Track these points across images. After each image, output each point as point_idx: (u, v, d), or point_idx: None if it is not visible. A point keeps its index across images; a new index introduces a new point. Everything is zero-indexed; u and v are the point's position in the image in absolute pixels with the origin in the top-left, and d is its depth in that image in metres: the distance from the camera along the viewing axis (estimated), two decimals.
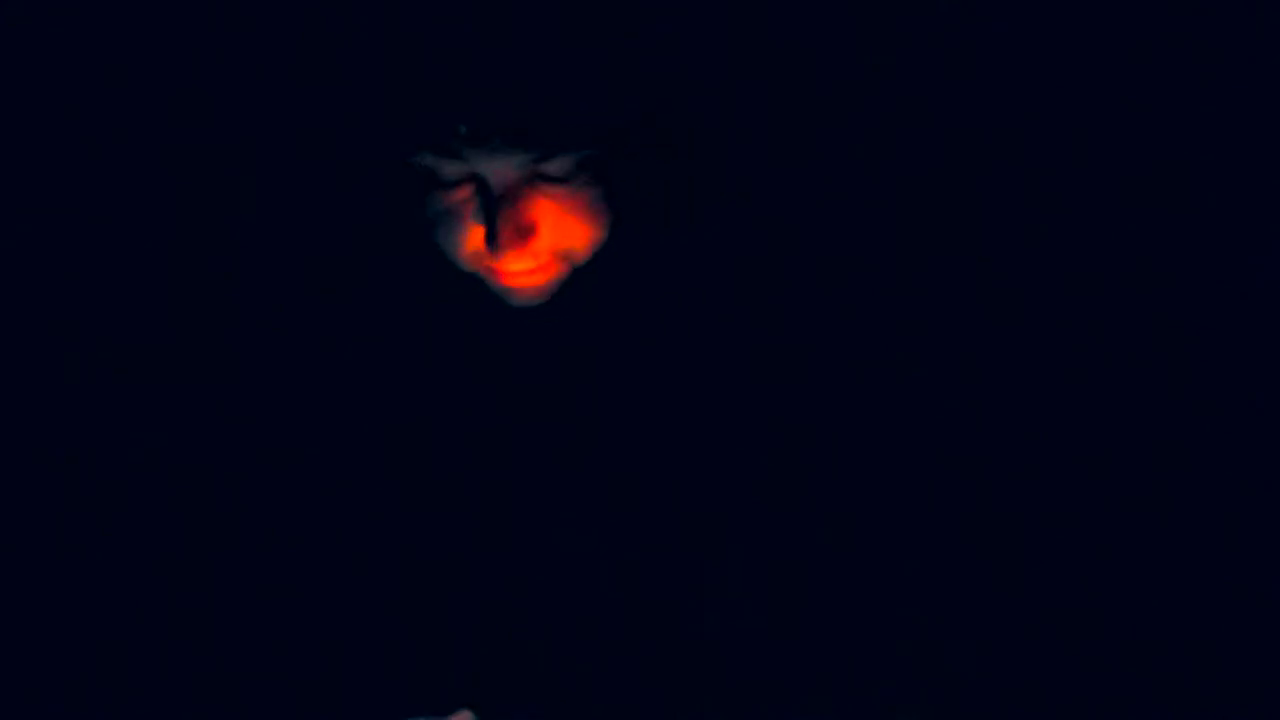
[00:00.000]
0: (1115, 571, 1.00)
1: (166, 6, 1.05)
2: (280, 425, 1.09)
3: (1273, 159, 1.03)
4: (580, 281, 0.99)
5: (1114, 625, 1.00)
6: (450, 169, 0.92)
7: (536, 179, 0.92)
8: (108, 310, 1.07)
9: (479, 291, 0.99)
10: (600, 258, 0.98)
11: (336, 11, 0.95)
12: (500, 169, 0.91)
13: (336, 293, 1.09)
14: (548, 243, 0.94)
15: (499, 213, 0.92)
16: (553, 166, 0.92)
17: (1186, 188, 1.03)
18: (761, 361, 1.05)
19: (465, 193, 0.94)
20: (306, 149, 1.04)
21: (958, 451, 1.02)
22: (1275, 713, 0.98)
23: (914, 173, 1.04)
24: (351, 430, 1.08)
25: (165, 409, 1.06)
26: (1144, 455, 1.01)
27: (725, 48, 1.01)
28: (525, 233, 0.93)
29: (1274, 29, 1.02)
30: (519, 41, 0.88)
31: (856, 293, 1.05)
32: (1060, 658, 1.00)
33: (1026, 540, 1.01)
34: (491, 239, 0.92)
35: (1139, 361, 1.02)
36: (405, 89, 0.91)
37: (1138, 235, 1.03)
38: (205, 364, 1.06)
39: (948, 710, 1.00)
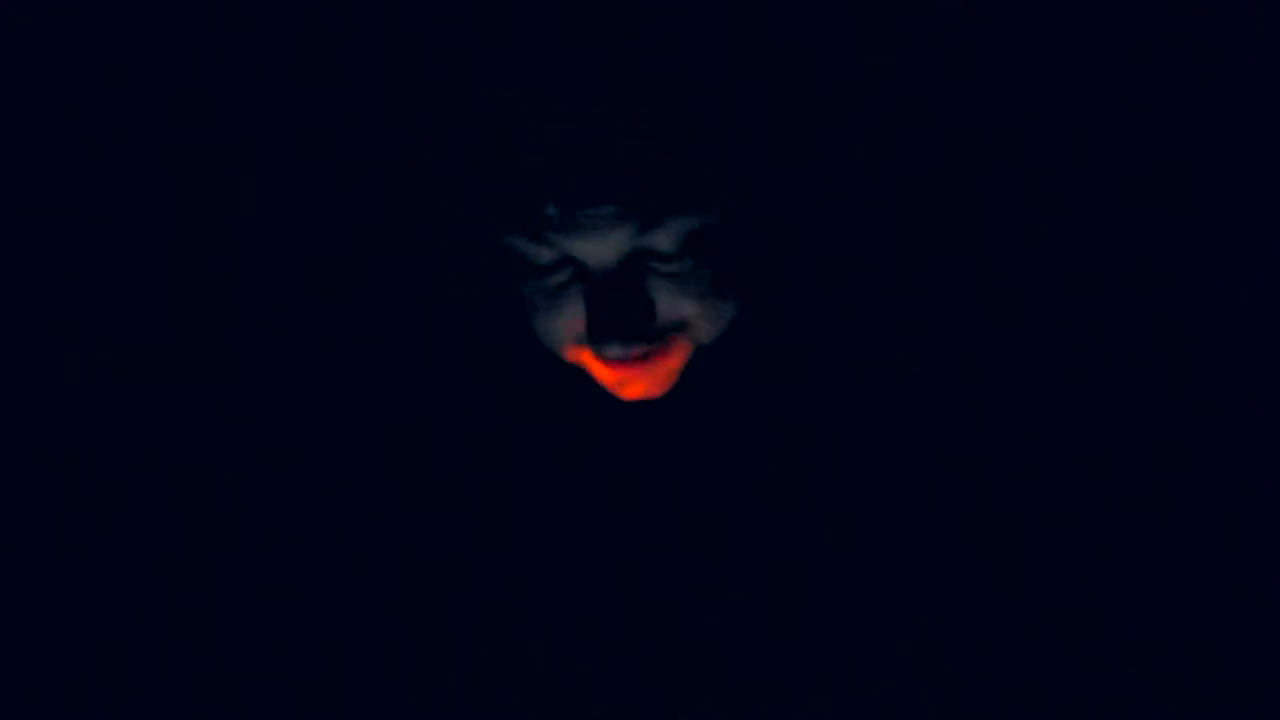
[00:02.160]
0: (1115, 571, 0.99)
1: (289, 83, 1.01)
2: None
3: (1273, 158, 1.03)
4: (704, 366, 0.88)
5: (1113, 625, 0.99)
6: (542, 252, 0.80)
7: (645, 256, 0.80)
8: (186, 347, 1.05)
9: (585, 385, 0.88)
10: (723, 341, 0.87)
11: (420, 89, 0.86)
12: (599, 248, 0.78)
13: (437, 384, 0.99)
14: (659, 327, 0.82)
15: (599, 296, 0.80)
16: (660, 239, 0.79)
17: (1187, 187, 1.03)
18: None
19: (563, 276, 0.82)
20: (397, 227, 0.94)
21: (958, 452, 0.99)
22: (1274, 713, 0.98)
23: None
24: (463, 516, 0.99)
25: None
26: (1143, 455, 1.00)
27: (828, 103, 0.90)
28: (630, 318, 0.80)
29: (1274, 28, 1.02)
30: (607, 107, 0.76)
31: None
32: (1059, 658, 0.99)
33: (1026, 540, 0.99)
34: (593, 329, 0.80)
35: (1138, 361, 1.01)
36: (488, 168, 0.79)
37: (1134, 234, 1.02)
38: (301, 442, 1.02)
39: (948, 710, 0.99)
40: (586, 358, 0.84)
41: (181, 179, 1.02)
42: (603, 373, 0.84)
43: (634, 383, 0.84)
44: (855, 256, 0.95)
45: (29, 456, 1.06)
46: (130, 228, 1.03)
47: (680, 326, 0.83)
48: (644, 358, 0.82)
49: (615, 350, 0.80)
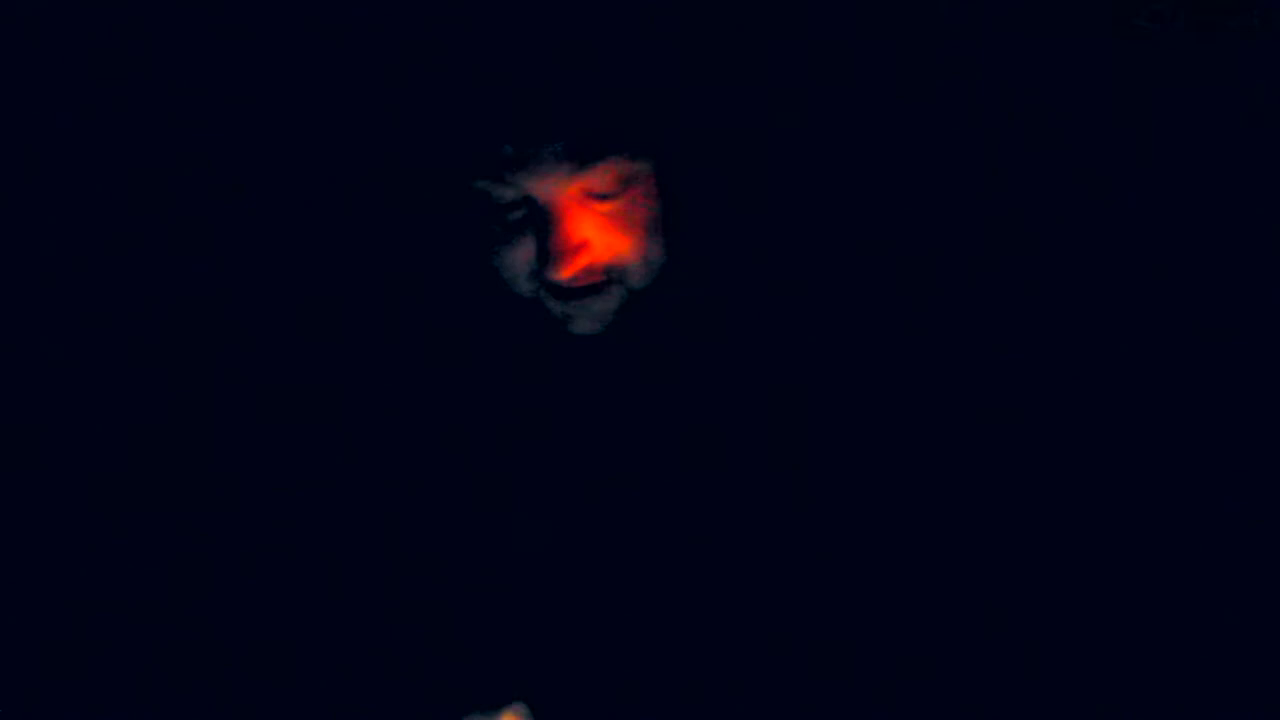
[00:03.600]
0: (1115, 573, 0.99)
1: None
2: (336, 447, 1.09)
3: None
4: (639, 306, 0.99)
5: (1113, 628, 0.99)
6: (504, 192, 0.93)
7: (585, 195, 0.93)
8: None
9: (543, 318, 1.00)
10: (660, 280, 0.98)
11: (374, 49, 0.98)
12: (547, 186, 0.92)
13: (399, 320, 1.09)
14: (599, 258, 0.95)
15: (548, 229, 0.93)
16: (598, 180, 0.93)
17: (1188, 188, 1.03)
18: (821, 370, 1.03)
19: (521, 214, 0.95)
20: (364, 177, 1.05)
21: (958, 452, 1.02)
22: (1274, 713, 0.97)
23: (928, 171, 1.04)
24: (403, 451, 1.08)
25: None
26: (1142, 456, 1.00)
27: (765, 58, 1.01)
28: (574, 248, 0.93)
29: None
30: (555, 60, 0.90)
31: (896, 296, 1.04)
32: (1060, 660, 0.99)
33: (1025, 541, 1.00)
34: (542, 255, 0.94)
35: (1137, 361, 1.01)
36: (452, 118, 0.93)
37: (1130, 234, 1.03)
38: (263, 384, 1.07)
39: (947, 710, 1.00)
40: (541, 284, 0.97)
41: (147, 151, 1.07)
42: (553, 300, 0.97)
43: (579, 311, 0.98)
44: (784, 213, 1.04)
45: (28, 455, 1.09)
46: (70, 191, 1.08)
47: (615, 264, 0.95)
48: (585, 288, 0.96)
49: (560, 275, 0.94)
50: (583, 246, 0.94)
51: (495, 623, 1.05)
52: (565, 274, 0.94)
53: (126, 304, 1.12)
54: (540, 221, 0.94)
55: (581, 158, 0.91)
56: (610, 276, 0.97)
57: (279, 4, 1.08)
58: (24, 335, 1.12)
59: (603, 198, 0.94)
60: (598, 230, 0.94)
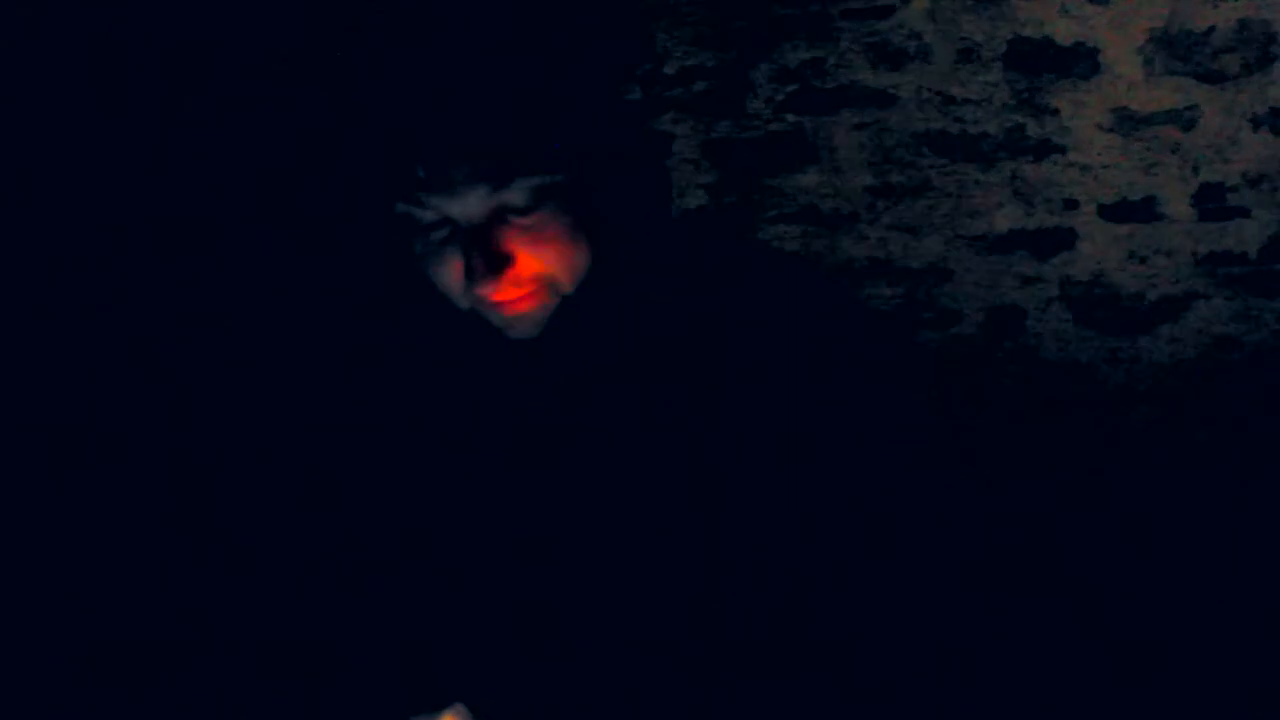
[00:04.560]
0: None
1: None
2: (301, 452, 1.12)
3: None
4: (572, 309, 1.02)
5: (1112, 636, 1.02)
6: (423, 213, 0.97)
7: (503, 211, 0.96)
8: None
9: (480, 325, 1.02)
10: (588, 284, 1.02)
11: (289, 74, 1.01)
12: (465, 206, 0.95)
13: (350, 329, 1.13)
14: (525, 271, 0.98)
15: (472, 248, 0.96)
16: (513, 197, 0.96)
17: None
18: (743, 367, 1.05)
19: (444, 233, 0.98)
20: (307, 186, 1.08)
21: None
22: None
23: None
24: (362, 453, 1.11)
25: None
26: None
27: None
28: (499, 263, 0.97)
29: None
30: (459, 81, 0.93)
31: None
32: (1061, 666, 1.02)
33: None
34: (469, 272, 0.97)
35: None
36: (367, 141, 0.95)
37: None
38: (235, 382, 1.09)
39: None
40: (472, 298, 1.00)
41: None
42: (489, 311, 1.01)
43: (515, 321, 1.01)
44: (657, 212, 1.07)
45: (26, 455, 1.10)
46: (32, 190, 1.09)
47: (542, 275, 1.00)
48: (518, 299, 0.99)
49: (488, 288, 0.98)
50: (508, 261, 0.97)
51: (437, 620, 1.09)
52: (494, 290, 0.98)
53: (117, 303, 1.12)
54: (465, 241, 0.96)
55: (496, 178, 0.94)
56: (539, 284, 1.00)
57: (204, 21, 1.10)
58: (24, 335, 1.12)
59: (521, 213, 0.97)
60: (521, 244, 0.97)
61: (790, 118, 3.26)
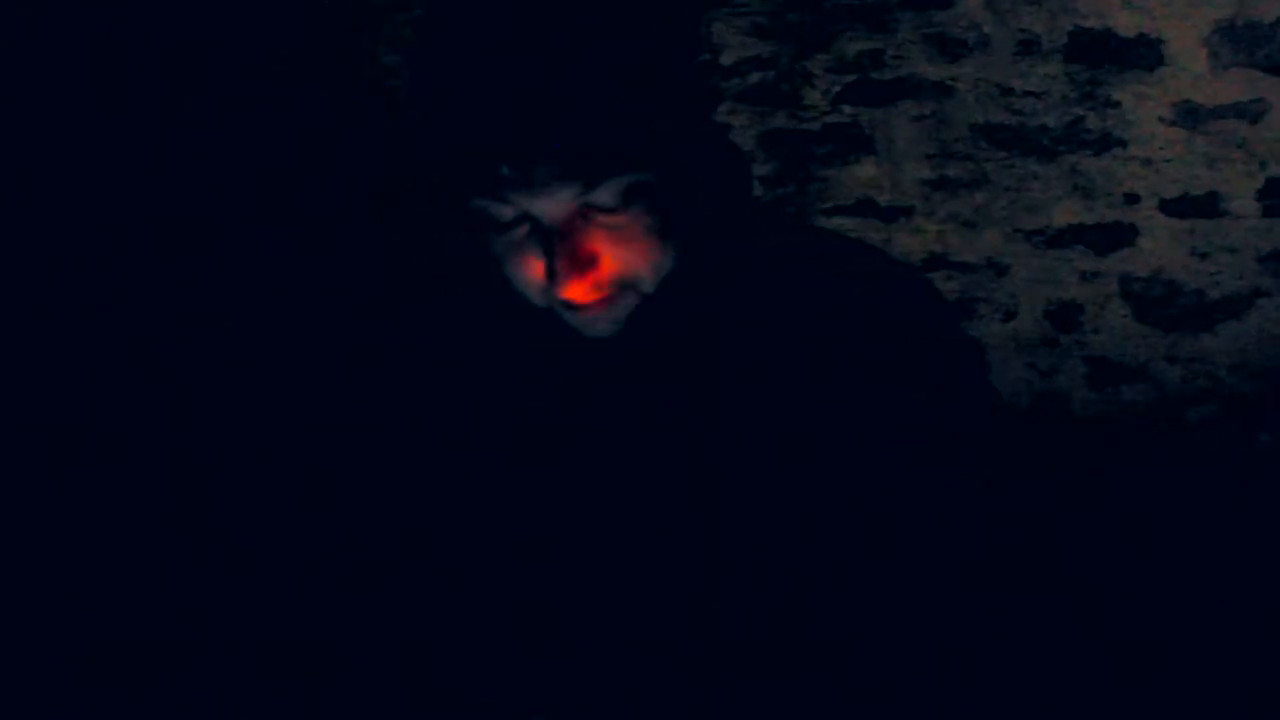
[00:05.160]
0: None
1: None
2: (372, 453, 1.10)
3: None
4: (652, 306, 0.99)
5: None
6: (503, 210, 0.93)
7: (589, 210, 0.93)
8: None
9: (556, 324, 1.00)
10: (669, 280, 0.99)
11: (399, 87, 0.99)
12: (550, 205, 0.92)
13: (421, 326, 1.10)
14: (608, 272, 0.95)
15: (555, 247, 0.93)
16: (602, 196, 0.92)
17: None
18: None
19: (524, 230, 0.94)
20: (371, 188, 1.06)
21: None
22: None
23: None
24: (423, 458, 1.08)
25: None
26: None
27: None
28: (583, 264, 0.93)
29: None
30: (547, 78, 0.89)
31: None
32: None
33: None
34: (550, 273, 0.93)
35: None
36: (447, 138, 0.92)
37: None
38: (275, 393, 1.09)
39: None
40: (551, 299, 0.97)
41: (173, 172, 1.09)
42: (567, 311, 0.98)
43: (593, 321, 0.98)
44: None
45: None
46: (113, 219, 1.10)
47: (625, 275, 0.96)
48: (598, 302, 0.96)
49: (570, 293, 0.94)
50: (592, 263, 0.94)
51: (510, 631, 1.06)
52: (575, 291, 0.94)
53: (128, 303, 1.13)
54: (547, 240, 0.93)
55: (585, 176, 0.91)
56: (621, 286, 0.96)
57: (287, 17, 1.10)
58: (23, 335, 1.13)
59: (608, 212, 0.93)
60: (605, 245, 0.94)
61: (847, 109, 3.23)
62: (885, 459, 1.01)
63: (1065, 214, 3.12)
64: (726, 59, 3.31)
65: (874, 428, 1.01)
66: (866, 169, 3.25)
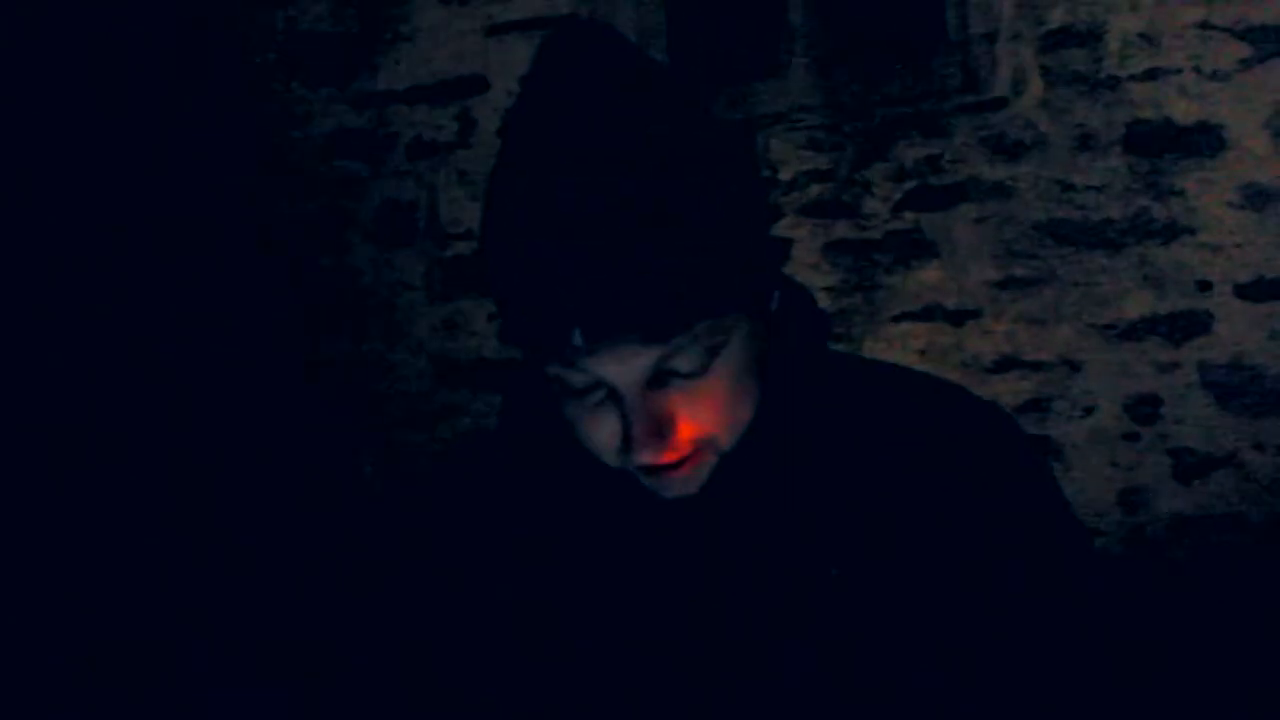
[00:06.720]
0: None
1: None
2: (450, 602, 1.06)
3: None
4: (732, 465, 0.95)
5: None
6: (575, 377, 0.89)
7: (666, 376, 0.89)
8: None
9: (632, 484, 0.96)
10: (748, 437, 0.95)
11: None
12: (624, 373, 0.88)
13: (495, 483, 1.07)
14: (687, 433, 0.91)
15: (631, 415, 0.89)
16: (679, 361, 0.89)
17: None
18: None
19: (599, 395, 0.91)
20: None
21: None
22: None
23: None
24: (503, 641, 1.03)
25: None
26: None
27: None
28: (661, 430, 0.89)
29: None
30: (620, 242, 0.85)
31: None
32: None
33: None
34: (627, 439, 0.90)
35: None
36: (517, 300, 0.88)
37: None
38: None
39: None
40: (626, 464, 0.93)
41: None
42: (645, 476, 0.94)
43: (671, 484, 0.94)
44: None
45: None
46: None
47: (704, 435, 0.92)
48: (677, 464, 0.92)
49: (647, 458, 0.90)
50: (670, 427, 0.90)
51: None
52: (651, 458, 0.90)
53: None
54: (622, 406, 0.89)
55: (659, 341, 0.86)
56: (699, 445, 0.92)
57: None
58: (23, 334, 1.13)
59: (685, 376, 0.90)
60: (683, 406, 0.90)
61: (909, 215, 3.26)
62: (981, 615, 0.97)
63: (1137, 305, 3.09)
64: (785, 174, 3.35)
65: (971, 587, 0.97)
66: (931, 273, 3.26)
